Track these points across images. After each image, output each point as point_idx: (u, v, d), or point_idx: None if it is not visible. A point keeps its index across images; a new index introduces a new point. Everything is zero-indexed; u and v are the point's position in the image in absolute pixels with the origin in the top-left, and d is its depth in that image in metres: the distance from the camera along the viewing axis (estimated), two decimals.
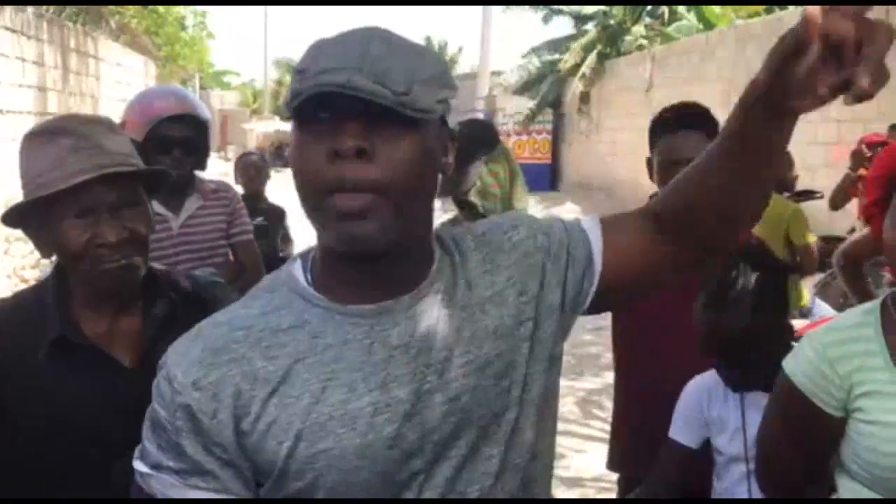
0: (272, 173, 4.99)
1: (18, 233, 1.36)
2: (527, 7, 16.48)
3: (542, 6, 16.10)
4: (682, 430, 1.79)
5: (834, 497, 1.41)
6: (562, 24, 16.63)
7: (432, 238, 1.02)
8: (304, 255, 1.02)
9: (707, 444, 1.79)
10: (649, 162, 2.11)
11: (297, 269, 1.00)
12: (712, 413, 1.76)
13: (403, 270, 0.97)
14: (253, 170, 4.54)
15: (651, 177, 2.11)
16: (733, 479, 1.74)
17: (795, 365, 1.36)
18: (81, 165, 1.30)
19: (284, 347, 0.94)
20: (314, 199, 0.90)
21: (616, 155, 13.87)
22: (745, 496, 1.71)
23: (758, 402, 1.67)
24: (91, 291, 1.37)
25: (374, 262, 0.93)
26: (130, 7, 14.58)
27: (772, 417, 1.45)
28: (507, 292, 1.01)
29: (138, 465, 0.96)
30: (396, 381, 0.93)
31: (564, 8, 15.83)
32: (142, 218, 1.37)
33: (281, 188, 5.65)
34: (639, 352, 2.08)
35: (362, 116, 0.87)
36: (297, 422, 0.91)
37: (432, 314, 0.97)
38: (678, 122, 2.03)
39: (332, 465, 0.91)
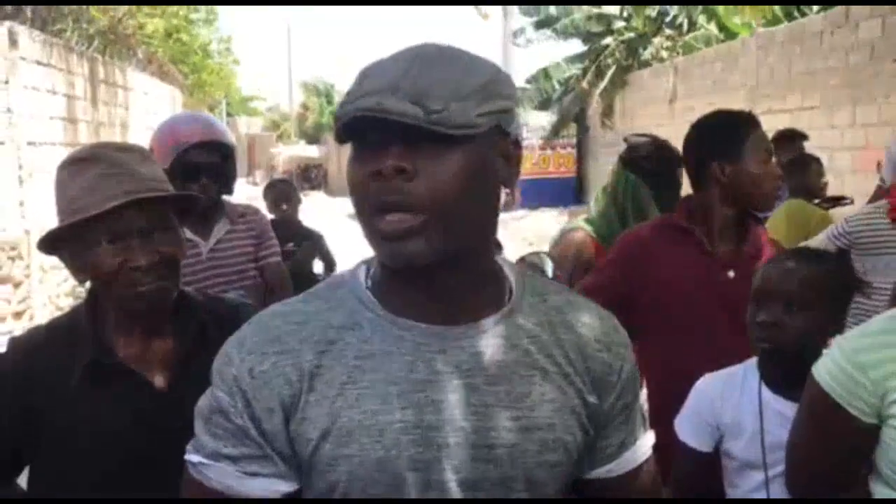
0: (300, 197, 4.92)
1: (54, 262, 1.40)
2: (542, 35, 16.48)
3: (557, 34, 16.08)
4: (692, 435, 1.73)
5: None
6: (577, 43, 16.63)
7: (492, 259, 1.01)
8: (368, 260, 1.02)
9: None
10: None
11: (360, 272, 1.01)
12: (725, 418, 1.69)
13: (460, 288, 0.96)
14: (284, 202, 4.46)
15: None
16: (750, 486, 1.67)
17: (825, 371, 1.34)
18: (113, 191, 1.34)
19: (332, 345, 0.95)
20: (362, 218, 0.92)
21: None
22: None
23: (775, 406, 1.64)
24: (124, 315, 1.40)
25: (426, 276, 0.93)
26: (156, 37, 14.83)
27: (802, 424, 1.42)
28: (575, 379, 1.00)
29: (192, 457, 0.97)
30: (432, 407, 0.93)
31: (578, 15, 15.80)
32: (173, 241, 1.40)
33: (308, 210, 5.68)
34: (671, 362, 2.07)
35: (403, 136, 0.88)
36: (326, 421, 0.92)
37: (485, 354, 0.95)
38: None
39: (353, 472, 0.91)
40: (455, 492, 0.93)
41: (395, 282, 0.96)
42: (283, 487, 0.95)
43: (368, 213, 0.91)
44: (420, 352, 0.94)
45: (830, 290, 1.64)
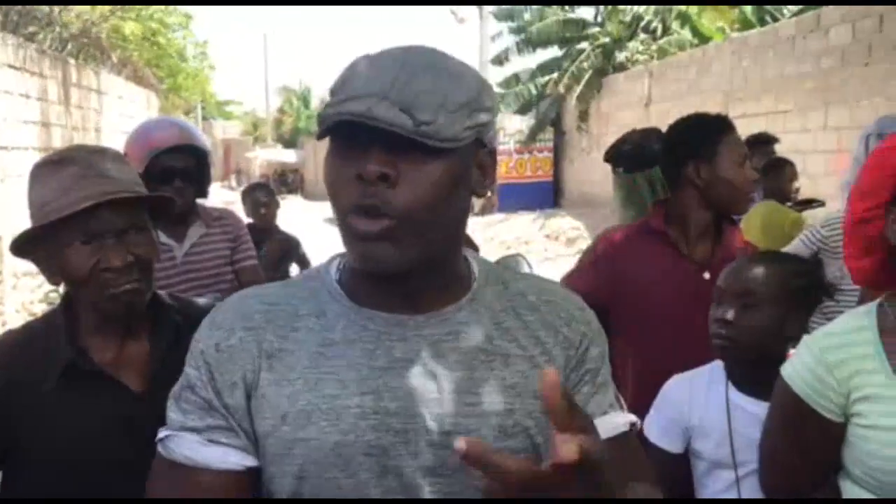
0: (279, 201, 4.87)
1: (27, 268, 1.38)
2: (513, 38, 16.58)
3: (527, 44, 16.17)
4: (661, 436, 1.73)
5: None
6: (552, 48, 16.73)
7: (461, 261, 1.02)
8: (342, 255, 1.04)
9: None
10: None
11: (332, 266, 1.04)
12: (693, 419, 1.70)
13: (426, 289, 0.97)
14: (263, 207, 4.42)
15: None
16: (721, 486, 1.68)
17: (794, 370, 1.36)
18: (87, 192, 1.33)
19: (296, 331, 0.96)
20: (339, 216, 0.93)
21: None
22: None
23: (743, 406, 1.66)
24: (98, 317, 1.39)
25: (394, 281, 0.95)
26: (131, 41, 14.72)
27: (773, 424, 1.43)
28: (540, 361, 0.99)
29: (162, 433, 0.97)
30: (390, 393, 0.93)
31: (553, 19, 15.89)
32: (147, 243, 1.40)
33: (285, 214, 5.64)
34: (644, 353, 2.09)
35: (388, 142, 0.88)
36: (285, 403, 0.93)
37: (445, 342, 0.96)
38: None
39: (309, 455, 0.92)
40: (412, 478, 0.93)
41: (362, 277, 0.98)
42: (244, 461, 0.94)
43: (345, 212, 0.91)
44: (381, 340, 0.95)
45: (789, 290, 1.64)
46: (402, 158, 0.89)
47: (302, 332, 0.96)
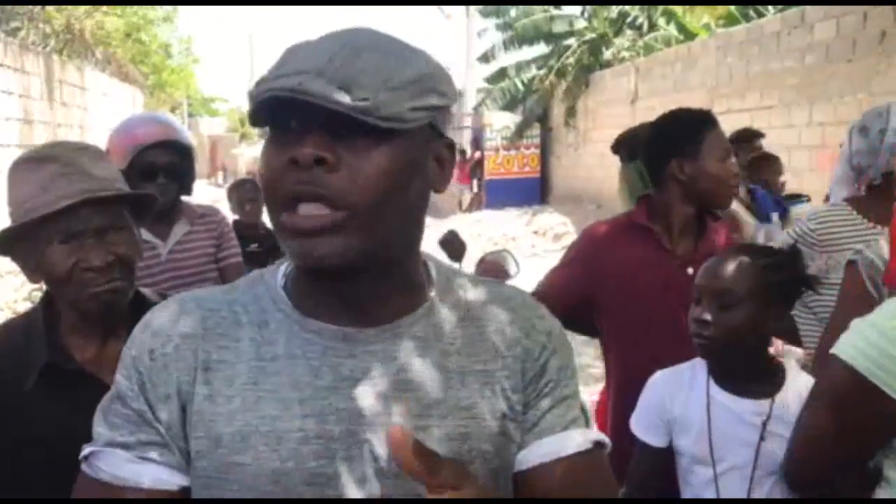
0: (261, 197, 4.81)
1: (9, 266, 1.37)
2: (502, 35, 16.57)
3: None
4: (646, 430, 1.75)
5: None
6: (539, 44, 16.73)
7: (419, 264, 0.93)
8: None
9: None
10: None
11: (280, 269, 0.94)
12: (674, 413, 1.71)
13: (378, 296, 0.88)
14: (248, 203, 4.38)
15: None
16: (700, 482, 1.68)
17: (855, 349, 1.30)
18: (67, 190, 1.32)
19: (237, 343, 0.87)
20: (273, 211, 0.83)
21: (604, 167, 13.94)
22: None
23: (723, 401, 1.66)
24: (78, 316, 1.38)
25: (338, 281, 0.86)
26: (115, 37, 14.62)
27: (819, 409, 1.38)
28: (499, 376, 0.91)
29: (86, 449, 0.88)
30: (335, 416, 0.84)
31: (539, 16, 15.90)
32: (128, 241, 1.38)
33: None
34: (630, 351, 2.09)
35: (326, 124, 0.80)
36: (221, 423, 0.84)
37: (397, 359, 0.87)
38: None
39: (244, 482, 0.83)
40: None
41: (307, 281, 0.89)
42: (178, 480, 0.85)
43: (280, 204, 0.82)
44: (327, 356, 0.86)
45: (765, 286, 1.64)
46: (344, 143, 0.80)
47: (243, 342, 0.87)
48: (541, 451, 0.92)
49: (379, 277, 0.87)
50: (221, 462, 0.84)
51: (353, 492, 0.84)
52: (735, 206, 3.95)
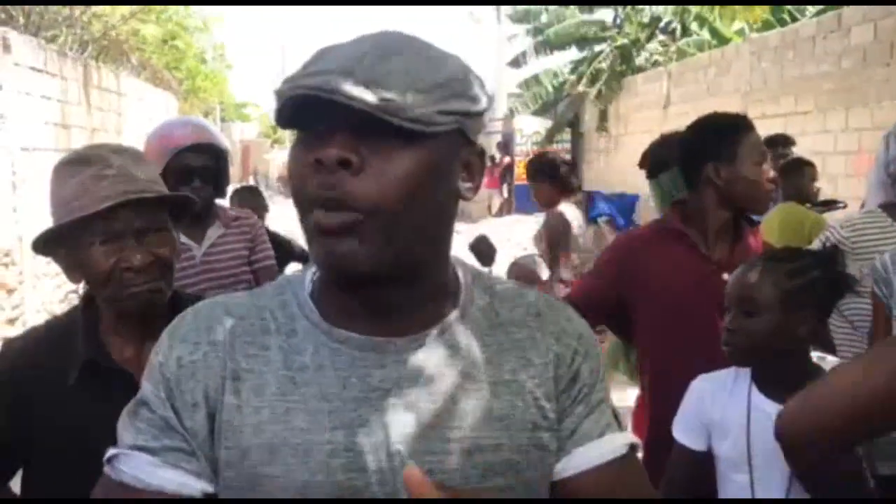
0: (291, 202, 4.77)
1: (46, 269, 1.39)
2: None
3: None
4: (686, 434, 1.74)
5: None
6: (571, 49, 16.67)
7: (447, 271, 0.92)
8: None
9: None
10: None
11: (307, 275, 0.93)
12: (714, 417, 1.70)
13: (406, 304, 0.87)
14: (248, 209, 4.38)
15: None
16: (737, 487, 1.66)
17: None
18: (108, 192, 1.34)
19: (266, 351, 0.86)
20: (300, 212, 0.83)
21: (635, 172, 13.82)
22: None
23: (763, 408, 1.64)
24: (117, 316, 1.40)
25: (363, 287, 0.85)
26: (150, 43, 14.82)
27: (880, 365, 1.23)
28: (530, 386, 0.90)
29: (108, 453, 0.88)
30: (366, 428, 0.83)
31: (571, 21, 15.84)
32: (167, 242, 1.40)
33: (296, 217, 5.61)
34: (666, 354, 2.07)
35: (352, 125, 0.79)
36: (249, 434, 0.84)
37: (427, 369, 0.86)
38: None
39: (274, 494, 0.82)
40: None
41: (330, 290, 0.88)
42: (201, 486, 0.85)
43: (305, 206, 0.82)
44: (355, 367, 0.85)
45: (786, 292, 1.61)
46: (369, 145, 0.79)
47: (272, 351, 0.86)
48: (581, 460, 0.93)
49: (406, 285, 0.86)
50: (250, 473, 0.83)
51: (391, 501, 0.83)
52: (568, 210, 4.09)
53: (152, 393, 0.87)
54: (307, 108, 0.80)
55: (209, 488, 0.85)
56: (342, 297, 0.87)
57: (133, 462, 0.85)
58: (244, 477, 0.84)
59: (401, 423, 0.84)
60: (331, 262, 0.82)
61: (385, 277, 0.83)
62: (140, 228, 1.36)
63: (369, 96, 0.77)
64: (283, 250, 4.35)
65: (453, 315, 0.90)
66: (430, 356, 0.87)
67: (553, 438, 0.91)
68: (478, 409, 0.87)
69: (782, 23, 10.98)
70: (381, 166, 0.79)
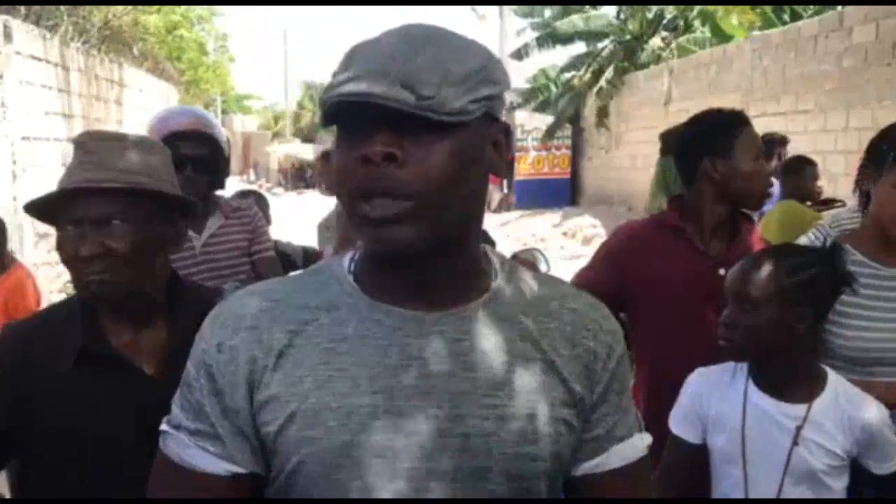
0: (293, 195, 4.76)
1: (45, 257, 1.40)
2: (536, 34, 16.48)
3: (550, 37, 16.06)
4: (682, 426, 1.75)
5: None
6: (578, 45, 16.65)
7: (478, 251, 0.98)
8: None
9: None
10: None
11: (345, 259, 1.00)
12: (710, 411, 1.71)
13: (445, 280, 0.94)
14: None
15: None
16: (730, 482, 1.67)
17: None
18: (76, 178, 1.36)
19: (306, 325, 0.93)
20: (349, 203, 0.89)
21: (636, 168, 13.85)
22: None
23: (759, 403, 1.65)
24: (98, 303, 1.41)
25: (410, 265, 0.91)
26: (152, 33, 14.81)
27: None
28: (559, 365, 0.95)
29: (162, 427, 0.97)
30: (404, 392, 0.90)
31: (576, 17, 15.80)
32: (125, 235, 1.36)
33: (303, 208, 5.61)
34: (660, 349, 2.09)
35: (393, 121, 0.85)
36: (294, 402, 0.90)
37: (463, 341, 0.92)
38: None
39: (315, 454, 0.89)
40: (424, 482, 0.89)
41: (376, 268, 0.95)
42: (228, 467, 0.92)
43: (355, 197, 0.88)
44: (396, 336, 0.91)
45: (784, 288, 1.62)
46: (410, 137, 0.86)
47: (313, 326, 0.93)
48: (615, 458, 0.99)
49: (446, 262, 0.93)
50: (295, 437, 0.90)
51: (419, 464, 0.89)
52: None
53: (193, 377, 0.95)
54: (349, 108, 0.86)
55: (236, 469, 0.92)
56: (384, 277, 0.94)
57: (174, 440, 0.95)
58: (289, 442, 0.90)
59: (437, 389, 0.90)
60: (388, 247, 0.89)
61: (430, 255, 0.90)
62: (98, 217, 1.34)
63: (408, 96, 0.84)
64: (287, 262, 4.33)
65: (489, 293, 0.97)
66: (466, 329, 0.93)
67: (579, 420, 0.97)
68: (512, 379, 0.93)
69: (782, 22, 10.97)
70: (423, 157, 0.86)
